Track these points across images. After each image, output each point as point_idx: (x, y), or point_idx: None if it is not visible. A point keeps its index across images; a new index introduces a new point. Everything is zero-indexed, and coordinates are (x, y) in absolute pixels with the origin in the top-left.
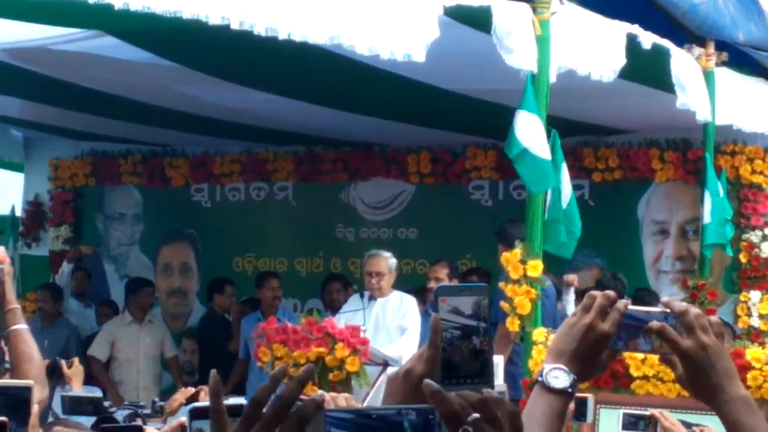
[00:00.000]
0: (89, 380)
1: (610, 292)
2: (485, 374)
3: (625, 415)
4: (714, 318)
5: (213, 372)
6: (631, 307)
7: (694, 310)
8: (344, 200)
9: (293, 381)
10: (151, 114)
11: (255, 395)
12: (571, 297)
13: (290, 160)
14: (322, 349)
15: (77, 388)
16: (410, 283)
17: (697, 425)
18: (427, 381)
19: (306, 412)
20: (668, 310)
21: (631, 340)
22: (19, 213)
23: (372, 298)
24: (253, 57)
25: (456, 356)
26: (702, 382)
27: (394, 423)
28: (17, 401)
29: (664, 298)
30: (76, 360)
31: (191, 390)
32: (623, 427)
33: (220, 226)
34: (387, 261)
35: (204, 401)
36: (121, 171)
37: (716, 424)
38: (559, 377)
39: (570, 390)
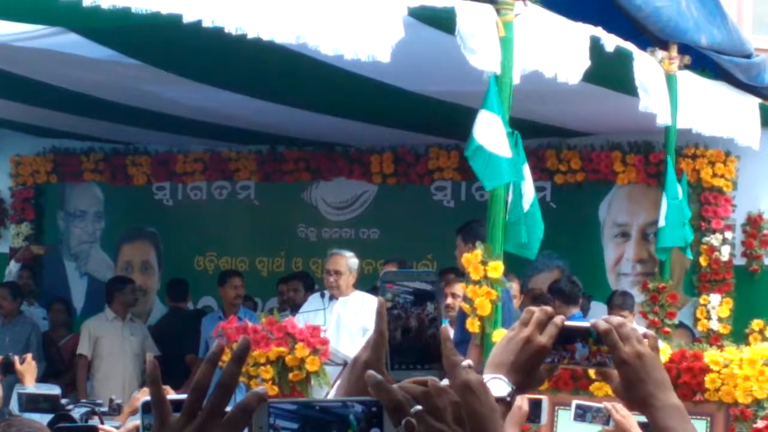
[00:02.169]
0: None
1: (548, 308)
2: (434, 359)
3: (577, 406)
4: (650, 332)
5: (149, 357)
6: (567, 322)
7: (630, 324)
8: (306, 200)
9: (230, 363)
10: (114, 111)
11: (195, 381)
12: None
13: (253, 160)
14: (282, 349)
15: (30, 384)
16: (371, 283)
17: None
18: (370, 372)
19: (249, 405)
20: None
21: (569, 344)
22: None
23: (333, 297)
24: (218, 56)
25: (404, 341)
26: (636, 390)
27: (340, 415)
28: None
29: (592, 319)
30: (29, 356)
31: None
32: (575, 418)
33: (181, 224)
34: (347, 260)
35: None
36: (83, 168)
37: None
38: (498, 386)
39: (508, 399)
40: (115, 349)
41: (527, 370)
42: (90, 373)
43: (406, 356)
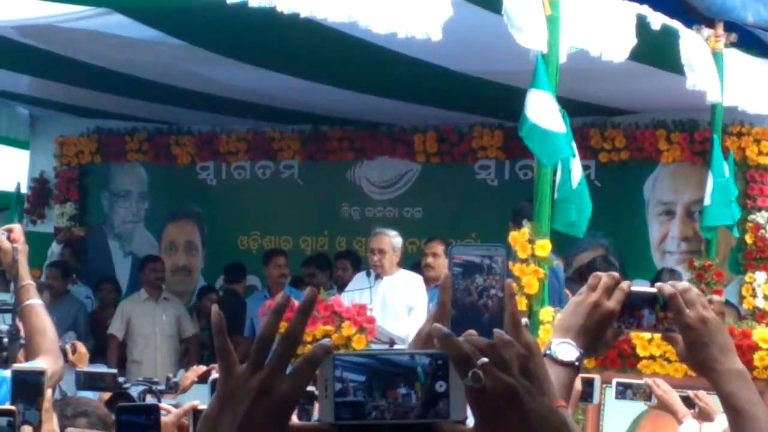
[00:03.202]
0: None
1: (615, 273)
2: (488, 331)
3: (618, 384)
4: (716, 297)
5: (214, 307)
6: (633, 287)
7: (696, 290)
8: (350, 179)
9: (297, 314)
10: (158, 92)
11: (261, 332)
12: None
13: (296, 139)
14: (328, 327)
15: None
16: (415, 262)
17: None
18: (437, 325)
19: (315, 356)
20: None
21: (636, 311)
22: (24, 190)
23: (378, 276)
24: (261, 36)
25: (465, 312)
26: (700, 355)
27: (407, 367)
28: (32, 385)
29: (657, 283)
30: (79, 344)
31: (203, 368)
32: (616, 396)
33: (225, 204)
34: (391, 239)
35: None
36: (127, 148)
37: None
38: (567, 351)
39: (577, 363)
40: (146, 330)
41: (595, 335)
42: (126, 353)
43: (461, 329)
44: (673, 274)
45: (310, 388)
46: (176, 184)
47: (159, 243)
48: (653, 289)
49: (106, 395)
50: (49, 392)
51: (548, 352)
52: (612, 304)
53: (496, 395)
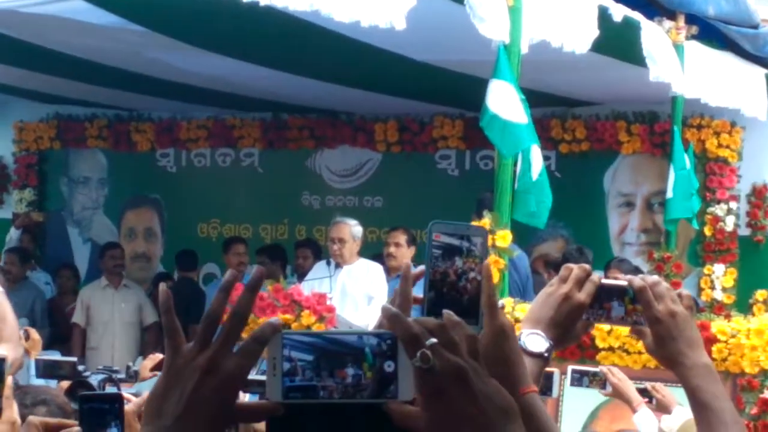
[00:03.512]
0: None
1: (586, 266)
2: (471, 314)
3: (573, 371)
4: (685, 291)
5: (162, 286)
6: (604, 280)
7: (665, 284)
8: (310, 167)
9: (244, 291)
10: (118, 78)
11: (208, 310)
12: None
13: (257, 127)
14: (288, 316)
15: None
16: (376, 251)
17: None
18: (385, 305)
19: (263, 335)
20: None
21: (606, 303)
22: None
23: (338, 265)
24: (223, 23)
25: (436, 296)
26: (668, 349)
27: (355, 348)
28: None
29: (628, 276)
30: (32, 331)
31: (159, 356)
32: (571, 383)
33: (185, 191)
34: (351, 228)
35: None
36: (87, 135)
37: (678, 395)
38: (537, 341)
39: (546, 354)
40: (104, 317)
41: (565, 326)
42: (85, 340)
43: (441, 309)
44: (622, 263)
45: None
46: (136, 171)
47: (118, 230)
48: (623, 282)
49: (65, 384)
50: (9, 379)
51: (519, 342)
52: (582, 296)
53: (444, 376)
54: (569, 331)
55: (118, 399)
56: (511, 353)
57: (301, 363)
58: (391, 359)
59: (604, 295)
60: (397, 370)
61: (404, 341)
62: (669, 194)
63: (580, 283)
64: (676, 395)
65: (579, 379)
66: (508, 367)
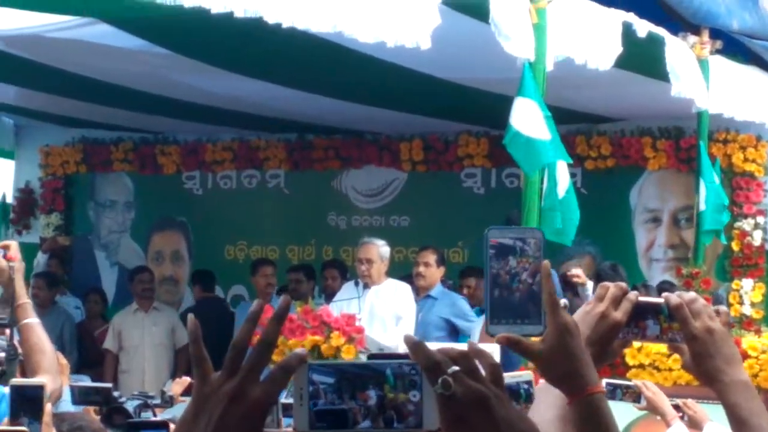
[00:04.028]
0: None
1: (623, 284)
2: (532, 314)
3: (607, 384)
4: (723, 308)
5: (190, 316)
6: (640, 298)
7: (702, 300)
8: (336, 188)
9: (271, 321)
10: (144, 101)
11: (235, 339)
12: (588, 291)
13: (282, 148)
14: (317, 338)
15: (65, 382)
16: (402, 271)
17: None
18: (407, 335)
19: (289, 364)
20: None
21: (641, 321)
22: (9, 200)
23: (366, 286)
24: (247, 44)
25: (499, 290)
26: (706, 366)
27: (377, 371)
28: (32, 399)
29: (664, 294)
30: (59, 355)
31: (188, 379)
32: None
33: (211, 213)
34: (378, 249)
35: None
36: (113, 158)
37: (709, 411)
38: None
39: None
40: (134, 340)
41: (602, 345)
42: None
43: (502, 312)
44: (648, 290)
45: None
46: (162, 194)
47: (145, 253)
48: (659, 300)
49: (90, 408)
50: (48, 407)
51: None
52: (619, 315)
53: (465, 402)
54: (606, 350)
55: (165, 427)
56: (577, 351)
57: (323, 386)
58: (417, 389)
59: (640, 313)
60: (422, 400)
61: (426, 369)
62: (702, 206)
63: (617, 301)
64: (707, 411)
65: (612, 392)
66: (574, 365)
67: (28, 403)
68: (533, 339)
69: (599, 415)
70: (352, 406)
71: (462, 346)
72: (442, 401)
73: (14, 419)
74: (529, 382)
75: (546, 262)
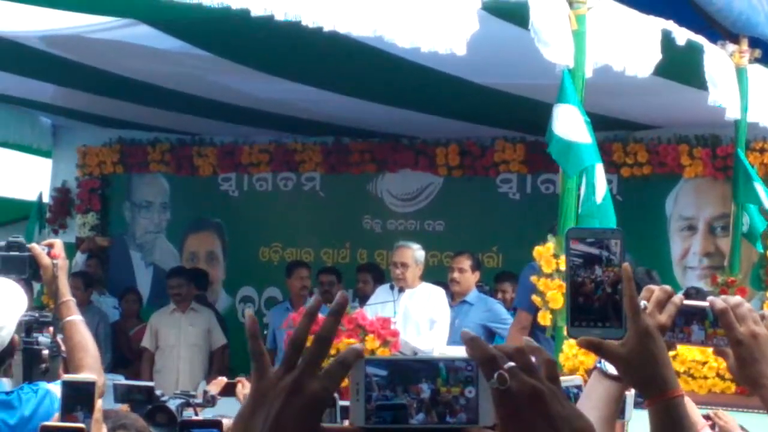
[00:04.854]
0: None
1: (667, 287)
2: (613, 317)
3: (637, 393)
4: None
5: (248, 312)
6: (686, 301)
7: (748, 304)
8: (372, 192)
9: (329, 316)
10: (181, 102)
11: (294, 334)
12: None
13: (318, 151)
14: (352, 341)
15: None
16: (436, 275)
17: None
18: (464, 330)
19: (347, 359)
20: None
21: (686, 326)
22: (46, 199)
23: (401, 289)
24: (285, 47)
25: (583, 296)
26: (750, 370)
27: (430, 364)
28: (84, 394)
29: (709, 297)
30: None
31: (223, 380)
32: (635, 405)
33: (247, 215)
34: (414, 252)
35: (243, 391)
36: (149, 159)
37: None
38: None
39: None
40: (170, 340)
41: None
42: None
43: (583, 315)
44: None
45: None
46: (198, 195)
47: (180, 254)
48: (704, 304)
49: (125, 407)
50: (99, 403)
51: (598, 365)
52: (664, 318)
53: (521, 398)
54: None
55: (218, 426)
56: (659, 354)
57: (376, 378)
58: (472, 384)
59: (685, 317)
60: (478, 396)
61: (481, 363)
62: None
63: (662, 305)
64: (738, 420)
65: (642, 402)
66: (656, 368)
67: (80, 398)
68: (614, 342)
69: (678, 418)
70: (405, 400)
71: (518, 344)
72: (498, 396)
73: (68, 414)
74: (579, 387)
75: (626, 265)
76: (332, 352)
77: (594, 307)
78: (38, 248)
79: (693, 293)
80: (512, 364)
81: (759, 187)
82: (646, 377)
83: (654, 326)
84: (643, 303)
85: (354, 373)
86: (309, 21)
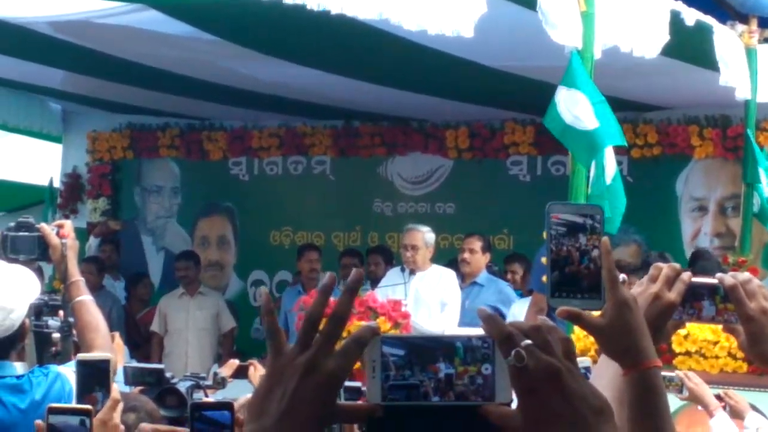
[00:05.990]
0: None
1: (676, 264)
2: (591, 289)
3: None
4: None
5: (263, 290)
6: (694, 278)
7: (757, 281)
8: (382, 175)
9: (343, 293)
10: (190, 87)
11: (308, 312)
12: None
13: (328, 135)
14: (363, 323)
15: (120, 363)
16: (447, 258)
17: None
18: (481, 307)
19: (362, 337)
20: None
21: (696, 302)
22: (57, 185)
23: (412, 272)
24: (294, 31)
25: (566, 266)
26: (762, 347)
27: (448, 343)
28: (100, 372)
29: (718, 274)
30: (117, 335)
31: (236, 362)
32: None
33: (257, 199)
34: (424, 235)
35: (256, 374)
36: (159, 144)
37: (751, 399)
38: None
39: None
40: (179, 324)
41: (655, 326)
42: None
43: (565, 286)
44: (663, 259)
45: None
46: (208, 180)
47: (191, 238)
48: (714, 280)
49: (136, 389)
50: (115, 385)
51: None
52: (673, 295)
53: (538, 375)
54: (660, 331)
55: (230, 408)
56: (636, 325)
57: (393, 358)
58: (489, 362)
59: (695, 294)
60: (495, 373)
61: (499, 341)
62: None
63: (671, 282)
64: (749, 399)
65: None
66: (632, 339)
67: (97, 377)
68: (594, 313)
69: (652, 391)
70: (422, 379)
71: (533, 322)
72: (515, 373)
73: (87, 395)
74: (587, 368)
75: (605, 239)
76: (344, 334)
77: (574, 279)
78: (47, 228)
79: (655, 257)
80: (529, 341)
81: (762, 172)
82: (623, 348)
83: (632, 298)
84: (621, 276)
85: (369, 351)
86: (314, 4)
